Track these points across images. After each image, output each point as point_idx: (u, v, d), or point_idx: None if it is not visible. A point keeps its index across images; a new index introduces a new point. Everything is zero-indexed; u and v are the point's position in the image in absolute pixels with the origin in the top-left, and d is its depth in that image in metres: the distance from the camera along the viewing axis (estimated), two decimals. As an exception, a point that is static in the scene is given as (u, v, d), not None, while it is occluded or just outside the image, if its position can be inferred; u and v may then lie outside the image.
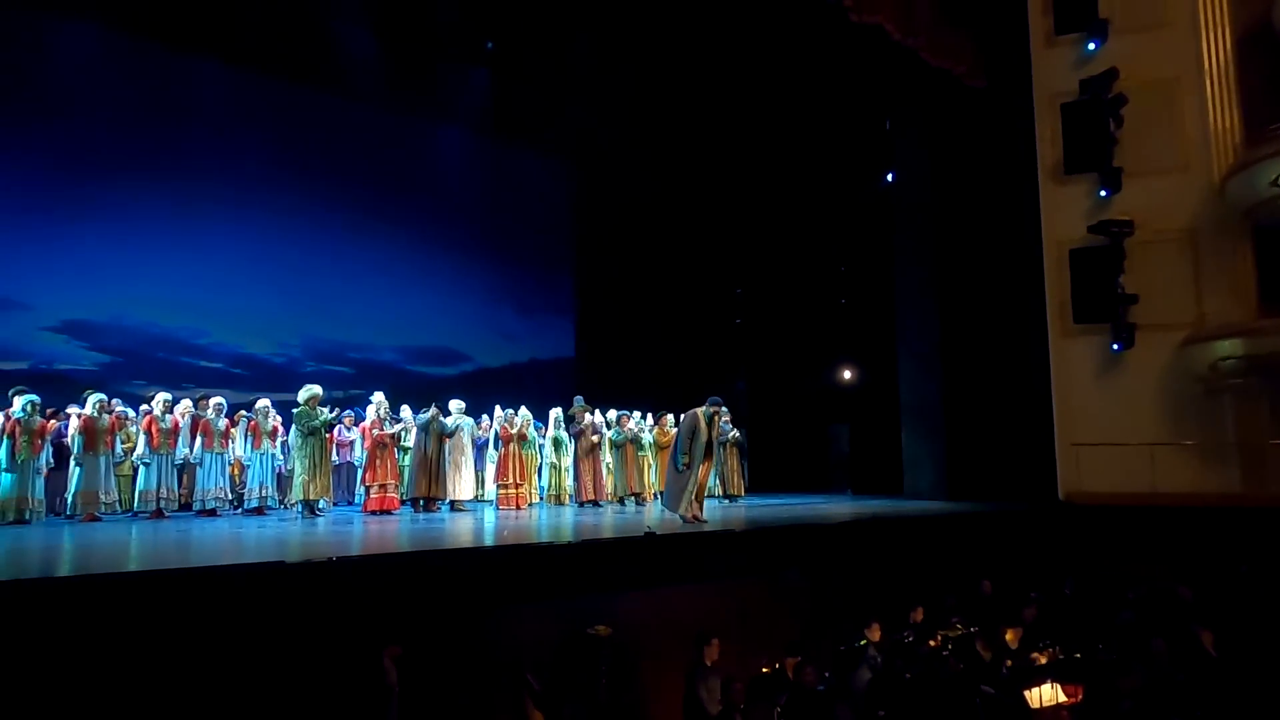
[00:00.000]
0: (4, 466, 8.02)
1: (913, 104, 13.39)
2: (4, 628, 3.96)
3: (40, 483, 8.30)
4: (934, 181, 13.11)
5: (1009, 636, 7.07)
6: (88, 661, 4.13)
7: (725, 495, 12.20)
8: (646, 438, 12.04)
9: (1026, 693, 6.14)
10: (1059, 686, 6.29)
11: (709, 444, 8.29)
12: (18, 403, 8.22)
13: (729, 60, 13.34)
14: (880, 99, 13.85)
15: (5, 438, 8.06)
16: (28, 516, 7.98)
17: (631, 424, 11.90)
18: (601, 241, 16.82)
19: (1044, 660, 6.65)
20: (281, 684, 4.66)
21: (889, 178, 14.40)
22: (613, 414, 11.85)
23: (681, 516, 8.03)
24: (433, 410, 10.08)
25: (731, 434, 12.29)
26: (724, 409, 8.61)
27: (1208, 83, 11.55)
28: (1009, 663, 6.63)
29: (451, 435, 10.18)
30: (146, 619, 4.35)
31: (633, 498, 11.51)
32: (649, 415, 12.43)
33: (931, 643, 6.72)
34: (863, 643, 6.67)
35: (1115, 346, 11.59)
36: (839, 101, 14.23)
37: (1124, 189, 11.73)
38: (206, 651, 4.51)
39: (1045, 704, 6.16)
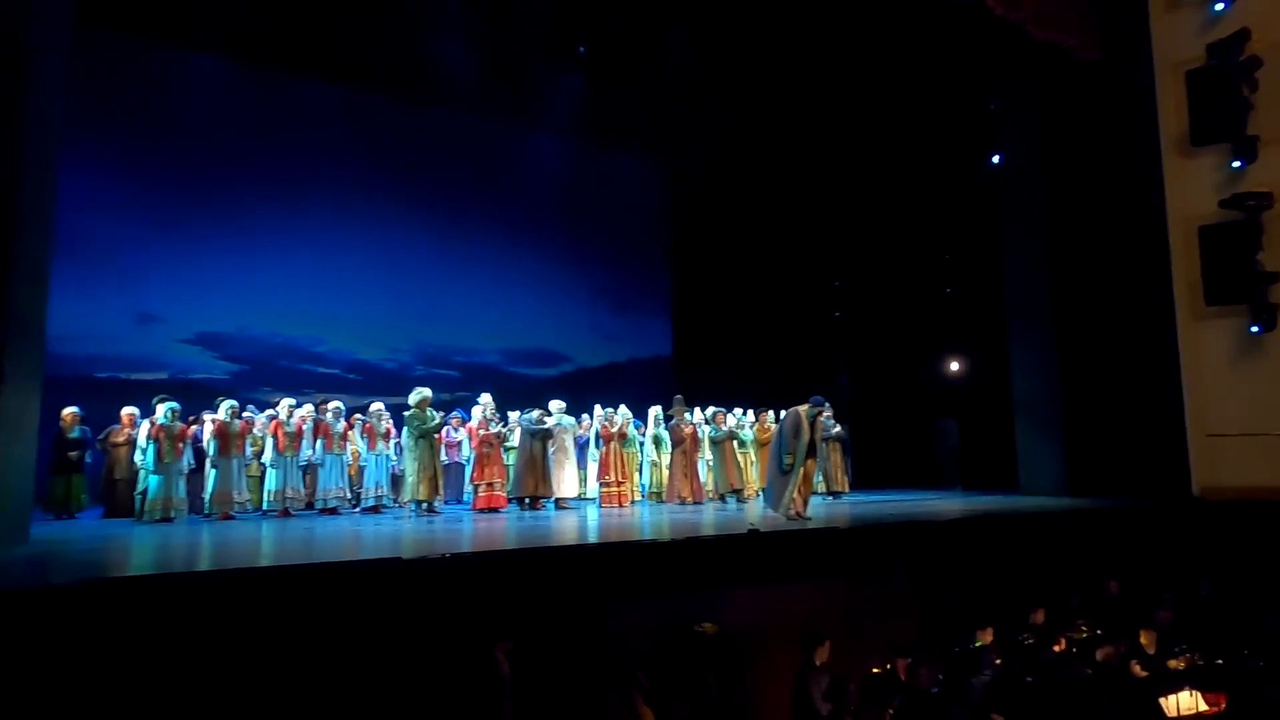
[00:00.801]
0: (151, 469, 8.71)
1: (1019, 82, 12.76)
2: (154, 618, 4.31)
3: (182, 483, 8.97)
4: (1045, 161, 12.45)
5: (1143, 640, 6.65)
6: (223, 651, 4.43)
7: (829, 492, 11.98)
8: (747, 434, 11.96)
9: (1162, 700, 5.78)
10: (1199, 695, 5.88)
11: (812, 443, 8.20)
12: (161, 410, 8.92)
13: (824, 47, 13.06)
14: (984, 78, 13.26)
15: (151, 442, 8.76)
16: (172, 515, 8.64)
17: (731, 420, 11.85)
18: (697, 238, 16.79)
19: (1182, 666, 6.24)
20: (401, 675, 4.88)
21: (995, 160, 13.78)
22: (710, 410, 11.84)
23: (784, 515, 7.96)
24: (536, 412, 10.33)
25: (835, 430, 12.06)
26: (826, 405, 8.49)
27: (1355, 38, 10.53)
28: (1139, 668, 6.25)
29: (553, 436, 10.39)
30: (277, 612, 4.63)
31: (733, 494, 11.46)
32: (749, 412, 12.33)
33: (1056, 647, 6.40)
34: (978, 644, 6.42)
35: (1254, 329, 10.71)
36: (939, 83, 13.70)
37: (1260, 159, 10.82)
38: (331, 641, 4.76)
39: (1184, 713, 5.78)
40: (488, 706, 4.78)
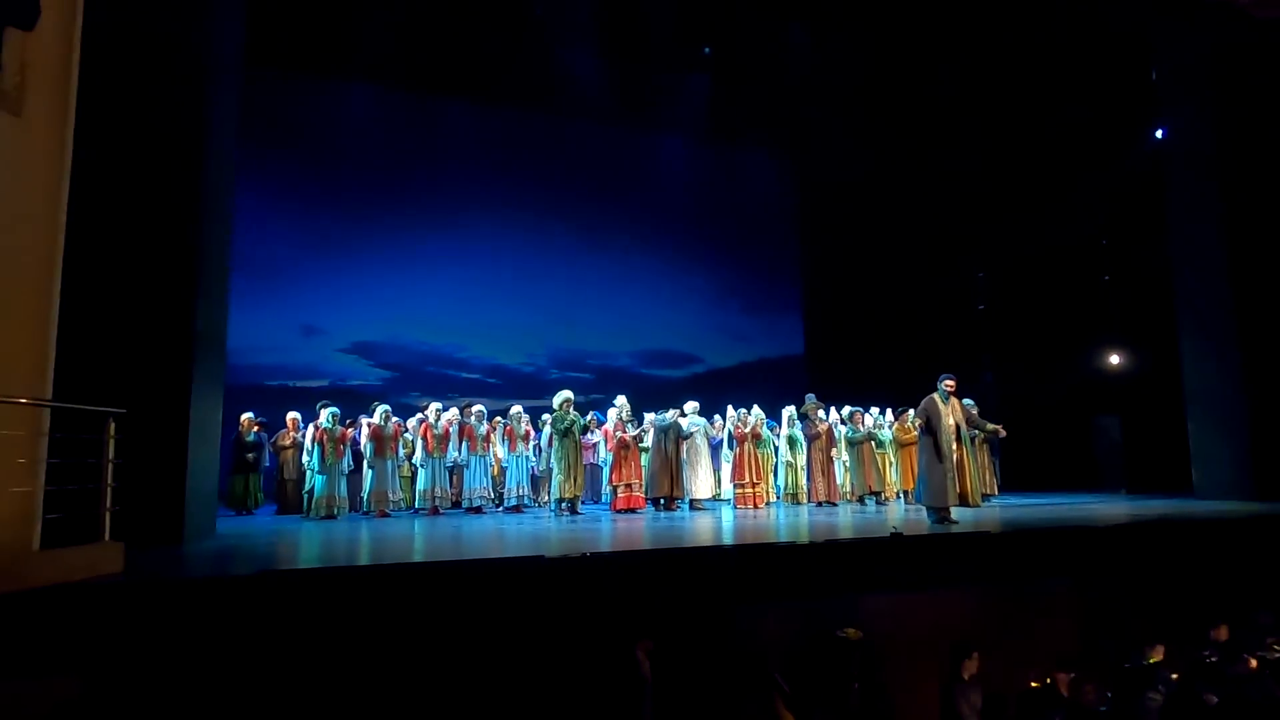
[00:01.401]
0: (316, 469, 9.41)
1: (1185, 47, 11.67)
2: (321, 607, 4.65)
3: (344, 483, 9.64)
4: (1216, 135, 11.33)
5: (1347, 663, 5.93)
6: (381, 639, 4.72)
7: (980, 497, 11.38)
8: (885, 434, 11.57)
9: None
10: None
11: (957, 426, 7.80)
12: (324, 415, 9.62)
13: (957, 17, 12.43)
14: (1144, 42, 12.21)
15: (315, 445, 9.45)
16: (335, 512, 9.30)
17: (868, 421, 11.49)
18: (827, 234, 16.41)
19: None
20: (546, 671, 5.03)
21: (1158, 135, 12.67)
22: (846, 410, 11.53)
23: (935, 512, 7.63)
24: (671, 413, 10.39)
25: (991, 427, 11.46)
26: (952, 378, 8.05)
27: None
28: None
29: (688, 437, 10.42)
30: (429, 605, 4.89)
31: (872, 496, 11.10)
32: (888, 411, 11.92)
33: (1250, 664, 5.81)
34: (1152, 660, 5.92)
35: None
36: (1091, 50, 12.74)
37: None
38: (477, 636, 4.97)
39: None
40: (629, 705, 4.84)
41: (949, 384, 8.00)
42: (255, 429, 10.45)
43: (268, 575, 4.81)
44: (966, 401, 8.13)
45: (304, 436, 9.97)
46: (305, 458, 9.72)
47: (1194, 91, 11.66)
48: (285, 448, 10.50)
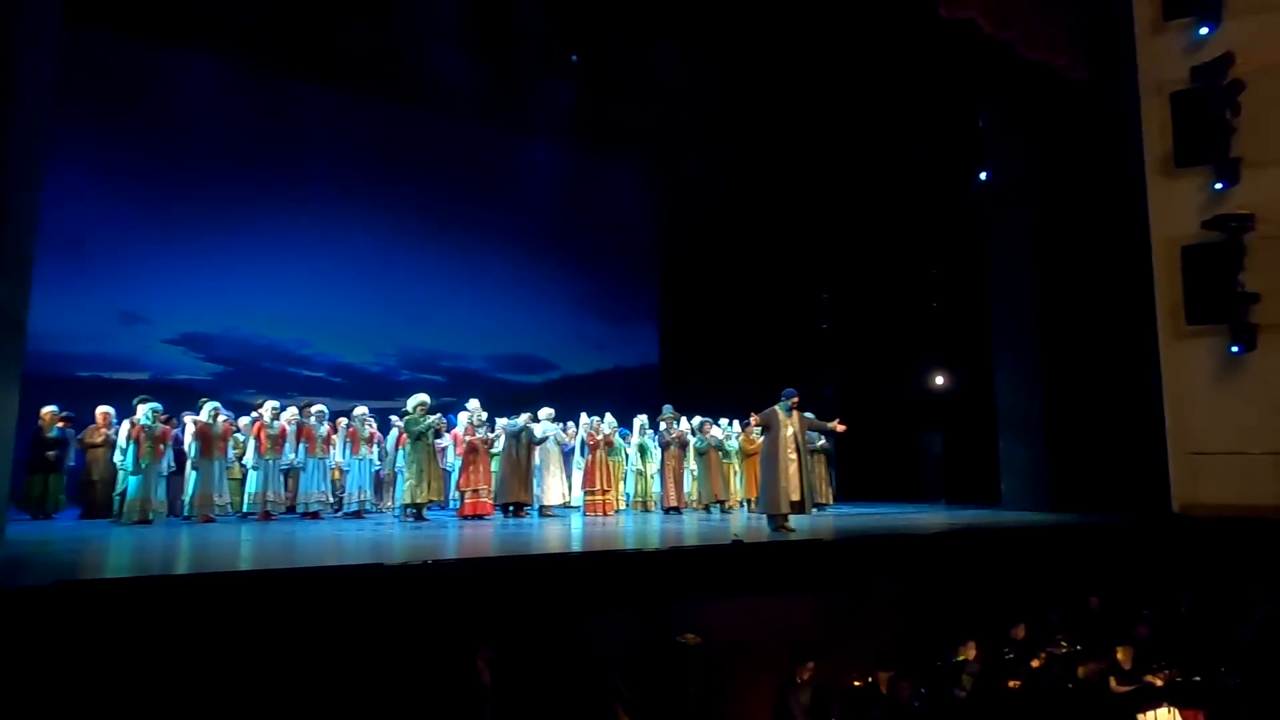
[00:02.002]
0: (130, 470, 8.61)
1: (1008, 99, 12.90)
2: (128, 621, 4.26)
3: (162, 485, 8.87)
4: (1032, 179, 12.58)
5: (1120, 656, 6.69)
6: (199, 652, 4.38)
7: (813, 504, 12.00)
8: (732, 444, 11.97)
9: (1140, 716, 5.81)
10: (1177, 711, 5.92)
11: (796, 437, 8.20)
12: (142, 410, 8.82)
13: (813, 61, 13.15)
14: (972, 95, 13.41)
15: (131, 443, 8.66)
16: (150, 517, 8.53)
17: (716, 431, 11.86)
18: (686, 248, 16.86)
19: (1159, 682, 6.27)
20: (383, 681, 4.84)
21: (982, 176, 13.92)
22: (696, 420, 11.85)
23: (774, 519, 7.96)
24: (523, 418, 10.29)
25: (819, 442, 12.10)
26: (795, 395, 8.50)
27: (1336, 65, 10.71)
28: (1118, 684, 6.28)
29: (540, 443, 10.36)
30: (258, 616, 4.58)
31: (717, 505, 11.46)
32: (734, 422, 12.35)
33: (1035, 662, 6.43)
34: (960, 659, 6.44)
35: (1235, 349, 10.85)
36: (928, 99, 13.86)
37: (1242, 181, 10.97)
38: (313, 647, 4.72)
39: (1162, 729, 5.81)
40: (469, 713, 4.75)
41: (793, 400, 8.41)
42: (59, 424, 9.42)
43: (65, 586, 4.34)
44: (807, 415, 8.59)
45: (117, 433, 9.10)
46: (118, 456, 8.87)
47: (1013, 140, 12.89)
48: (94, 445, 9.51)
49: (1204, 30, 11.36)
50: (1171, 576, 9.48)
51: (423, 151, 14.78)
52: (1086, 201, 12.03)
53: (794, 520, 8.16)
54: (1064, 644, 6.95)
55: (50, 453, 9.21)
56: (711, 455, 11.53)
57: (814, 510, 11.70)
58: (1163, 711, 5.85)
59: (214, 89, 12.77)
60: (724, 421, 12.29)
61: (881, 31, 11.69)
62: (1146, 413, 11.27)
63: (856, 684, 6.06)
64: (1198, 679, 6.36)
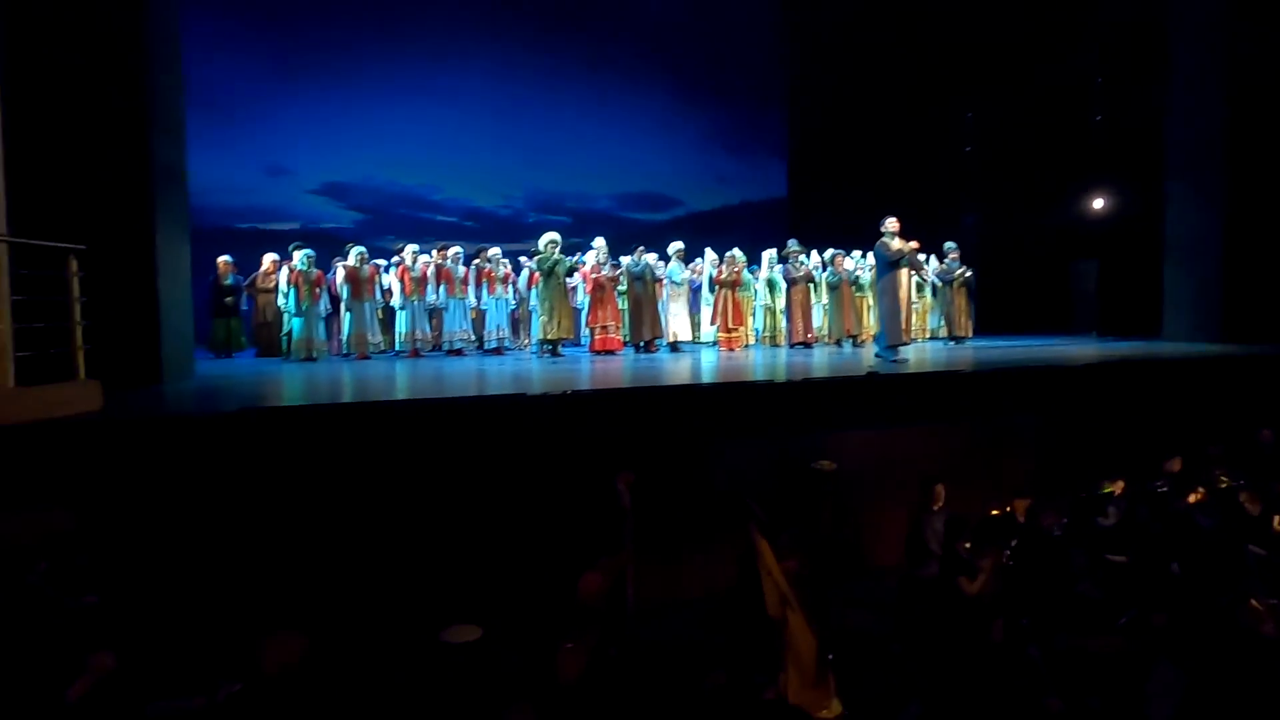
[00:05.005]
0: (293, 312, 9.31)
1: None
2: (307, 444, 4.71)
3: (321, 326, 9.58)
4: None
5: (1287, 492, 6.26)
6: (361, 473, 4.83)
7: (951, 336, 11.59)
8: (865, 277, 11.58)
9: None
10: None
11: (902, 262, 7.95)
12: (297, 257, 9.40)
13: None
14: None
15: (291, 287, 9.31)
16: (315, 355, 9.29)
17: (849, 264, 11.46)
18: (814, 74, 15.69)
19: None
20: (528, 504, 5.21)
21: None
22: (829, 253, 11.47)
23: (890, 351, 7.83)
24: (646, 257, 10.28)
25: (960, 272, 11.51)
26: (894, 220, 8.14)
27: None
28: (1282, 520, 5.92)
29: (659, 279, 10.36)
30: (416, 441, 4.97)
31: (849, 339, 11.26)
32: (868, 255, 11.87)
33: (1193, 497, 6.13)
34: (1107, 490, 6.23)
35: None
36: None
37: None
38: (464, 471, 5.10)
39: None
40: (611, 533, 5.06)
41: (892, 224, 8.02)
42: (233, 271, 10.24)
43: (250, 412, 4.83)
44: (948, 244, 8.12)
45: (280, 278, 9.80)
46: (280, 300, 9.59)
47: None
48: (265, 290, 10.31)
49: None
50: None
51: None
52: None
53: (926, 351, 7.96)
54: (1224, 479, 6.57)
55: (228, 299, 10.10)
56: (844, 289, 11.21)
57: (952, 343, 11.38)
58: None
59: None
60: (856, 254, 11.84)
61: None
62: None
63: (994, 513, 6.00)
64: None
